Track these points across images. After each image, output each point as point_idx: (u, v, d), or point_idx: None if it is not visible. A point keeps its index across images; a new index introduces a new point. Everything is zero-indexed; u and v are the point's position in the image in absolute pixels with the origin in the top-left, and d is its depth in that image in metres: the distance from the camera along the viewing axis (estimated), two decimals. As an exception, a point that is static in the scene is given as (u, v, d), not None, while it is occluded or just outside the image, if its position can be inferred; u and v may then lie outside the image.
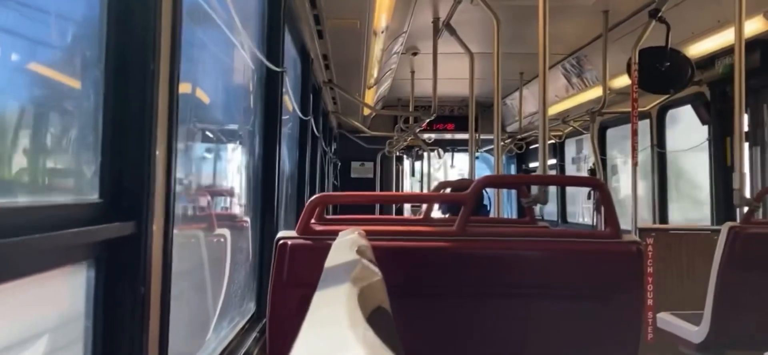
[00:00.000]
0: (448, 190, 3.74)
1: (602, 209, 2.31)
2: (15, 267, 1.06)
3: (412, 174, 12.82)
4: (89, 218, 1.23)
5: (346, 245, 1.38)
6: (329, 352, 0.51)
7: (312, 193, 6.00)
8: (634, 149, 4.68)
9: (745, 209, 3.46)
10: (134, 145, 1.33)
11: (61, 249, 1.16)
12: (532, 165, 11.23)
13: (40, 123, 1.32)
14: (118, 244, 1.30)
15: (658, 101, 6.00)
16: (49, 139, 1.36)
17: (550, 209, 9.61)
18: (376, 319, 0.89)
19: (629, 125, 4.79)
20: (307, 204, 2.10)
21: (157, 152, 1.37)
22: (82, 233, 1.17)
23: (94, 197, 1.31)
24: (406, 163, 12.65)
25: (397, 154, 11.17)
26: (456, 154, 12.14)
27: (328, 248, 1.35)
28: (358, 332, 0.58)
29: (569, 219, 9.55)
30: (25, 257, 1.06)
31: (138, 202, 1.32)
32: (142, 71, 1.33)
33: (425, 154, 10.58)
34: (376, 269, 1.10)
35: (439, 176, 12.90)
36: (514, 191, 10.34)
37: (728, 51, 4.58)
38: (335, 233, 1.78)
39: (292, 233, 2.05)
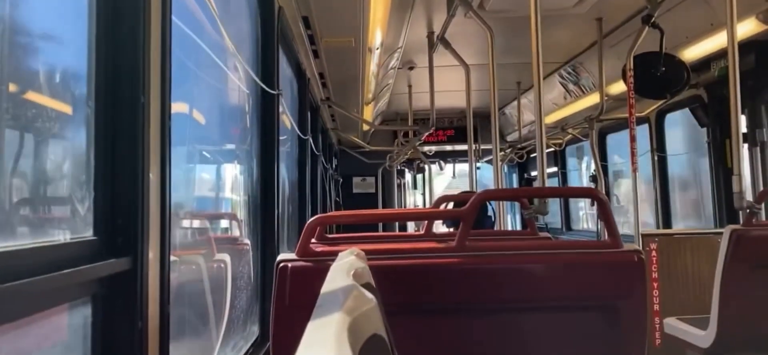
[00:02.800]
0: (450, 204, 3.73)
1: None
2: (13, 310, 1.06)
3: (414, 187, 12.81)
4: (84, 257, 1.23)
5: (343, 269, 1.37)
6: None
7: (313, 211, 5.99)
8: (633, 154, 4.67)
9: (747, 211, 3.44)
10: (126, 179, 1.33)
11: (57, 290, 1.16)
12: (533, 173, 11.22)
13: (34, 163, 1.32)
14: (114, 280, 1.30)
15: (656, 106, 5.99)
16: (44, 177, 1.37)
17: (554, 217, 9.60)
18: (370, 348, 0.89)
19: (628, 130, 4.78)
20: (305, 226, 2.10)
21: (151, 184, 1.37)
22: (77, 273, 1.17)
23: (88, 234, 1.31)
24: (408, 176, 12.64)
25: (398, 167, 11.16)
26: (457, 165, 12.13)
27: (328, 269, 1.35)
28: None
29: (573, 226, 9.53)
30: (23, 300, 1.06)
31: (133, 236, 1.32)
32: (132, 106, 1.34)
33: (426, 166, 10.58)
34: (371, 296, 1.10)
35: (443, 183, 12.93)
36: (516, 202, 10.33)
37: (723, 53, 4.58)
38: (335, 254, 1.78)
39: (292, 255, 2.04)
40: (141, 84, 1.35)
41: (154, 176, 1.39)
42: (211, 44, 2.37)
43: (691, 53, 4.78)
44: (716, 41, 4.46)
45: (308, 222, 2.12)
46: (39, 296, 1.12)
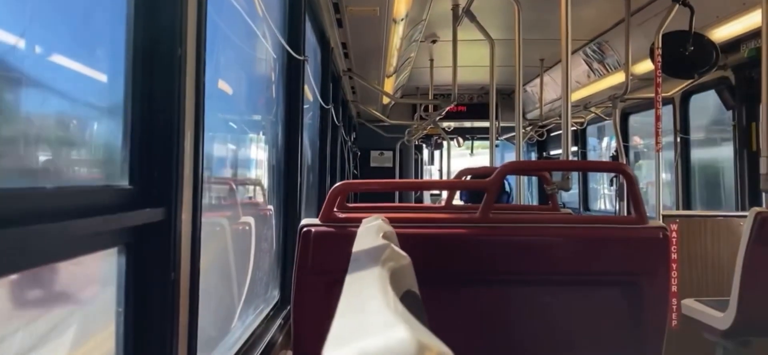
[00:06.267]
0: (469, 177, 3.72)
1: (627, 195, 2.29)
2: (47, 252, 1.07)
3: (431, 163, 12.78)
4: (119, 204, 1.24)
5: (373, 231, 1.38)
6: (374, 331, 0.51)
7: (333, 181, 6.01)
8: (658, 135, 4.62)
9: (772, 194, 3.41)
10: (162, 131, 1.34)
11: (92, 235, 1.17)
12: (553, 152, 11.16)
13: (72, 111, 1.34)
14: (147, 230, 1.31)
15: (681, 86, 5.91)
16: (81, 127, 1.38)
17: (572, 197, 9.55)
18: (407, 302, 0.89)
19: (651, 111, 4.73)
20: (330, 191, 2.10)
21: (185, 139, 1.38)
22: (113, 219, 1.19)
23: (124, 183, 1.32)
24: (426, 152, 12.61)
25: (417, 143, 11.14)
26: (475, 142, 12.07)
27: (351, 235, 1.36)
28: (396, 311, 0.58)
29: (591, 206, 9.48)
30: (58, 242, 1.07)
31: (167, 188, 1.33)
32: (169, 58, 1.34)
33: (445, 142, 10.56)
34: (405, 253, 1.10)
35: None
36: (534, 179, 10.28)
37: (754, 34, 4.50)
38: (358, 221, 1.78)
39: (316, 221, 2.05)
40: (178, 36, 1.35)
41: (188, 129, 1.40)
42: (241, 5, 2.37)
43: (721, 33, 4.70)
44: (748, 21, 4.38)
45: (333, 187, 2.12)
46: (76, 240, 1.13)
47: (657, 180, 4.60)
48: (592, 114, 7.98)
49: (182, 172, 1.37)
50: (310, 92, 4.54)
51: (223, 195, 2.50)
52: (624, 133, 7.59)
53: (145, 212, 1.28)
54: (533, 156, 11.96)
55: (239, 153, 2.86)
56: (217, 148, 2.39)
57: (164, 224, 1.33)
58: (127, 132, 1.33)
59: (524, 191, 5.62)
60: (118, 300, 1.32)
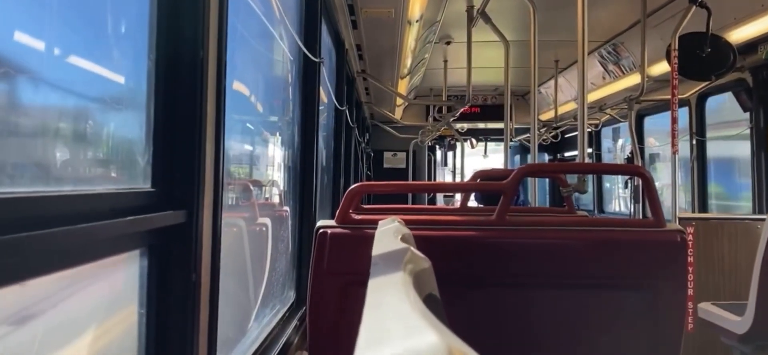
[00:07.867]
0: (479, 180, 3.71)
1: (644, 197, 2.28)
2: (74, 255, 1.08)
3: (445, 164, 12.76)
4: (142, 207, 1.25)
5: (390, 233, 1.38)
6: (403, 336, 0.52)
7: (347, 183, 6.02)
8: (674, 137, 4.59)
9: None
10: (184, 134, 1.35)
11: (117, 237, 1.19)
12: (566, 154, 11.10)
13: (97, 115, 1.35)
14: (170, 232, 1.32)
15: (697, 88, 5.87)
16: (107, 130, 1.39)
17: (586, 199, 9.51)
18: (428, 306, 0.89)
19: (666, 113, 4.70)
20: (346, 193, 2.11)
21: (207, 142, 1.39)
22: (136, 221, 1.20)
23: (146, 185, 1.34)
24: (439, 153, 12.59)
25: (430, 144, 11.13)
26: (489, 144, 12.04)
27: (367, 236, 1.36)
28: (424, 316, 0.59)
29: (605, 208, 9.44)
30: (84, 244, 1.09)
31: (189, 190, 1.34)
32: (192, 61, 1.35)
33: (458, 144, 10.53)
34: (425, 257, 1.10)
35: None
36: (546, 181, 10.24)
37: (772, 35, 4.47)
38: (374, 222, 1.79)
39: (332, 222, 2.06)
40: (200, 39, 1.36)
41: (210, 131, 1.41)
42: (259, 8, 2.38)
43: (739, 35, 4.67)
44: (765, 23, 4.35)
45: (350, 189, 2.13)
46: (101, 242, 1.15)
47: (673, 183, 4.57)
48: (607, 116, 7.94)
49: (204, 174, 1.38)
50: (325, 94, 4.56)
51: (241, 196, 2.52)
52: (639, 135, 7.55)
53: (167, 215, 1.30)
54: (546, 158, 11.92)
55: (256, 154, 2.87)
56: (234, 149, 2.41)
57: (186, 226, 1.34)
58: (149, 135, 1.35)
59: (536, 192, 5.59)
60: (141, 301, 1.34)
